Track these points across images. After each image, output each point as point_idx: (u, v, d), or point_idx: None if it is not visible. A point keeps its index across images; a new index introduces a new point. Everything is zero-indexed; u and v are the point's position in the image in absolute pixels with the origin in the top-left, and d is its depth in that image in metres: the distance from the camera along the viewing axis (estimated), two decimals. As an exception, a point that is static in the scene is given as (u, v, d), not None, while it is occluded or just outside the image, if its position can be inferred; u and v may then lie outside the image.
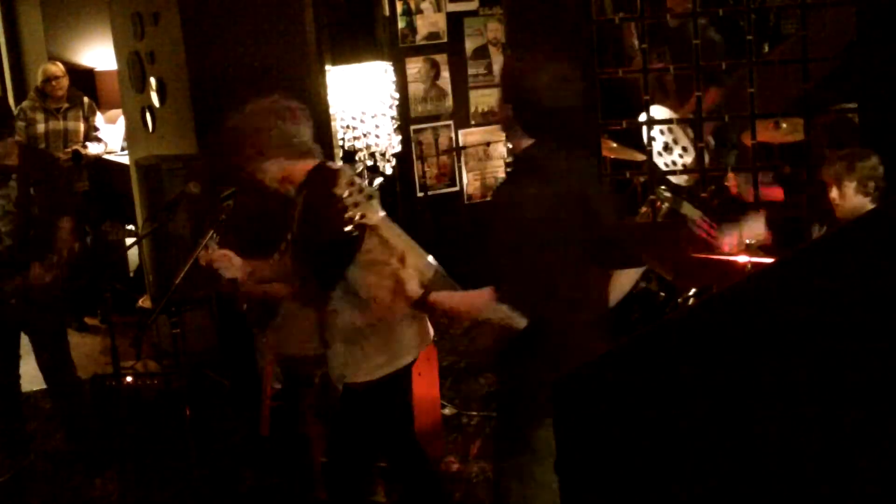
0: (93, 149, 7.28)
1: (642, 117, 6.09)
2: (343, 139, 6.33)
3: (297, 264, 3.70)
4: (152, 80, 6.22)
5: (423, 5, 7.18)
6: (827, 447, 1.74)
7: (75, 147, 7.17)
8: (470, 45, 7.35)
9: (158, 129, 6.30)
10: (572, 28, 5.85)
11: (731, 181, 6.23)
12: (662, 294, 5.04)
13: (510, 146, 7.13)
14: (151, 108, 6.31)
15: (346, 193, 3.13)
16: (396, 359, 3.74)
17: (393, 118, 6.62)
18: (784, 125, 6.31)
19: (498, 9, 7.25)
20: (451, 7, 7.25)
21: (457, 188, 7.47)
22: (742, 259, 4.49)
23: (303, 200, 3.65)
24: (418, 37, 7.20)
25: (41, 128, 7.13)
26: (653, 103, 6.19)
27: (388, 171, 6.41)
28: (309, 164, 3.68)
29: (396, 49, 7.10)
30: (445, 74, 7.31)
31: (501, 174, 7.40)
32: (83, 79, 7.88)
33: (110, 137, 7.61)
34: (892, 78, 5.32)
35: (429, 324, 3.90)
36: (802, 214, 5.47)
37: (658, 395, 1.87)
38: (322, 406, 4.27)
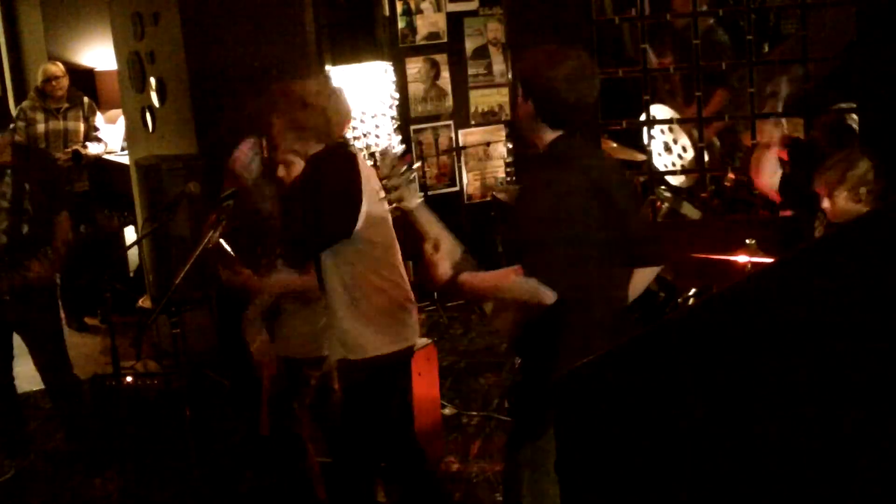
0: (93, 149, 7.28)
1: (642, 117, 6.09)
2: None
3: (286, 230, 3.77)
4: (152, 80, 6.22)
5: (423, 5, 7.18)
6: (827, 447, 1.73)
7: (75, 147, 7.17)
8: (470, 45, 7.35)
9: (158, 129, 6.30)
10: (572, 28, 5.85)
11: (731, 182, 6.23)
12: (662, 294, 5.03)
13: (510, 146, 7.16)
14: (151, 108, 6.31)
15: (387, 176, 3.15)
16: (399, 340, 3.75)
17: (393, 118, 6.62)
18: (784, 125, 6.30)
19: (498, 9, 7.25)
20: (451, 7, 7.25)
21: (457, 188, 7.47)
22: (742, 259, 4.49)
23: (311, 169, 3.67)
24: (418, 37, 7.21)
25: (41, 128, 7.13)
26: (661, 103, 6.20)
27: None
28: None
29: (396, 49, 7.11)
30: (445, 74, 7.31)
31: (501, 174, 7.40)
32: (83, 79, 7.88)
33: (110, 137, 7.61)
34: (892, 78, 5.32)
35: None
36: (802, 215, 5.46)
37: (658, 394, 1.87)
38: (319, 408, 4.27)
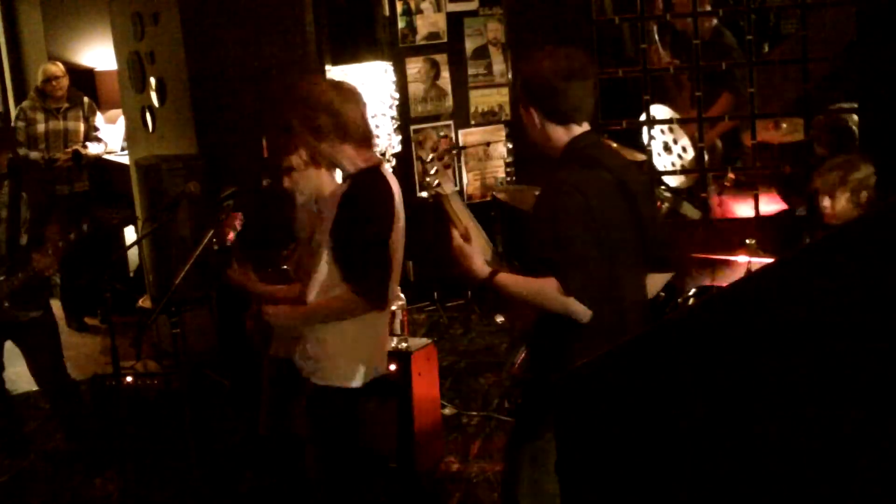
0: (93, 149, 7.28)
1: (643, 117, 6.10)
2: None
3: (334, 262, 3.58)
4: (152, 80, 6.22)
5: (423, 5, 7.18)
6: (827, 447, 1.73)
7: (75, 147, 7.17)
8: (470, 45, 7.34)
9: (158, 129, 6.30)
10: (572, 28, 5.85)
11: (731, 182, 6.23)
12: (662, 294, 5.03)
13: (510, 146, 7.15)
14: (151, 108, 6.31)
15: (429, 159, 3.09)
16: (370, 367, 3.61)
17: (393, 118, 6.62)
18: (784, 125, 6.31)
19: (498, 9, 7.24)
20: (451, 7, 7.25)
21: (457, 188, 7.45)
22: (742, 259, 4.49)
23: (348, 193, 3.56)
24: (418, 37, 7.20)
25: (41, 128, 7.14)
26: (665, 103, 6.20)
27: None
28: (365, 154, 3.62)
29: (396, 49, 7.10)
30: (445, 74, 7.30)
31: (501, 174, 7.40)
32: (83, 79, 7.88)
33: (110, 137, 7.61)
34: (892, 78, 5.32)
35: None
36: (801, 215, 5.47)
37: (658, 395, 1.87)
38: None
